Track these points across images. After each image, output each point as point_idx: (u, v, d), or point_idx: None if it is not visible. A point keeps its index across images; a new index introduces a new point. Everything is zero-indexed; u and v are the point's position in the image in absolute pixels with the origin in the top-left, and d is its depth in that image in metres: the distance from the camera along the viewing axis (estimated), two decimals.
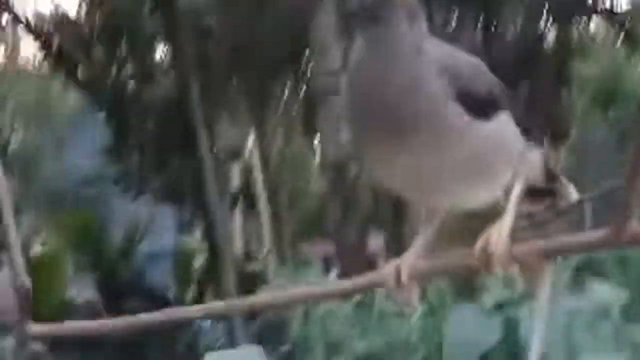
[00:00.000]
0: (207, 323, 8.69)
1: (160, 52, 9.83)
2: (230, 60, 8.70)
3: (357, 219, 6.86)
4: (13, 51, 13.41)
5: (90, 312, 9.63)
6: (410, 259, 1.37)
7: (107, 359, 8.50)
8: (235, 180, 11.44)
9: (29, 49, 12.65)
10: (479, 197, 1.39)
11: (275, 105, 10.87)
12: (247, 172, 11.57)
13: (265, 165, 11.13)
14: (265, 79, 9.69)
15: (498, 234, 1.30)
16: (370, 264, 6.46)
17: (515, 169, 1.38)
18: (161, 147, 9.08)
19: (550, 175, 1.51)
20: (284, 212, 12.38)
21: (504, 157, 1.36)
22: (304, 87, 9.93)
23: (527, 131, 1.43)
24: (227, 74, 8.53)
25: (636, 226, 1.09)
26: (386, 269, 1.36)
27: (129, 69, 9.43)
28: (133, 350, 8.31)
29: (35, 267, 10.09)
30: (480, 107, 1.30)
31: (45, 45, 9.57)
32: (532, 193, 1.48)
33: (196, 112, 8.31)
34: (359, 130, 1.34)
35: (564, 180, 1.51)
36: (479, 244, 1.30)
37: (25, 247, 10.71)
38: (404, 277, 1.34)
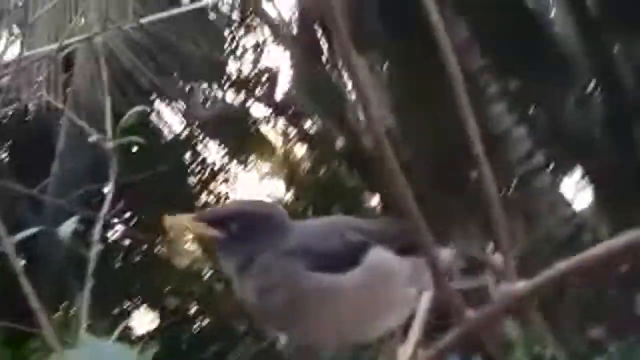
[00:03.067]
0: None
1: None
2: None
3: None
4: None
5: None
6: None
7: None
8: None
9: None
10: (389, 324, 1.60)
11: None
12: None
13: None
14: None
15: (404, 352, 1.52)
16: None
17: (417, 286, 1.57)
18: None
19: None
20: None
21: (388, 286, 1.57)
22: None
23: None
24: None
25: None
26: None
27: None
28: None
29: None
30: (340, 263, 1.53)
31: None
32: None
33: None
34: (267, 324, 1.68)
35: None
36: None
37: None
38: None
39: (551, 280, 1.23)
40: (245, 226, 1.56)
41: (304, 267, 1.52)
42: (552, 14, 7.43)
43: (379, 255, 1.57)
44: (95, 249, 1.76)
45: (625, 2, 6.24)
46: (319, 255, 1.53)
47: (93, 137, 1.96)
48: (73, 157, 6.64)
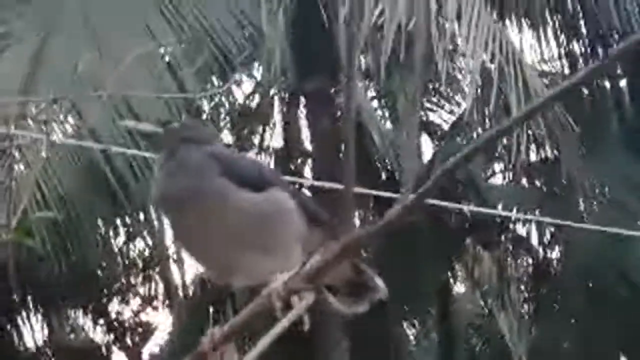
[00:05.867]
0: None
1: None
2: None
3: None
4: None
5: None
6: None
7: None
8: None
9: None
10: (269, 267, 1.66)
11: None
12: None
13: None
14: None
15: (279, 280, 1.58)
16: None
17: (301, 241, 1.70)
18: None
19: (357, 269, 1.76)
20: None
21: (278, 223, 1.69)
22: None
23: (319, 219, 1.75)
24: None
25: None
26: None
27: None
28: None
29: None
30: (249, 182, 1.68)
31: None
32: (347, 289, 1.75)
33: None
34: (168, 219, 1.78)
35: (370, 272, 1.75)
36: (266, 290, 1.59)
37: None
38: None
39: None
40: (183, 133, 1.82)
41: (216, 170, 1.67)
42: None
43: (282, 196, 1.71)
44: None
45: None
46: (232, 169, 1.68)
47: None
48: None
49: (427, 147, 8.53)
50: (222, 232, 1.66)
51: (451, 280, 9.07)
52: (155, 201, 1.75)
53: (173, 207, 1.72)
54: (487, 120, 7.21)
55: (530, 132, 6.91)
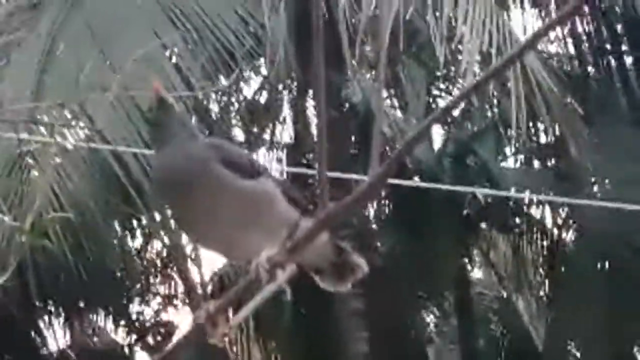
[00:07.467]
0: None
1: None
2: None
3: None
4: None
5: None
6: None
7: None
8: None
9: None
10: (260, 243, 1.80)
11: None
12: None
13: None
14: None
15: (264, 255, 1.74)
16: None
17: (285, 221, 1.82)
18: None
19: (339, 250, 1.94)
20: None
21: (267, 206, 1.86)
22: None
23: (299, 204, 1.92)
24: None
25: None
26: None
27: None
28: None
29: None
30: (243, 170, 1.85)
31: None
32: (331, 269, 1.94)
33: None
34: (166, 202, 2.02)
35: (351, 252, 1.93)
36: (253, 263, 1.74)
37: None
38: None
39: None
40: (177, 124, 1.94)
41: (215, 159, 1.83)
42: None
43: (269, 183, 1.90)
44: None
45: None
46: (228, 158, 1.84)
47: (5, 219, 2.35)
48: None
49: (438, 135, 8.52)
50: (222, 213, 1.82)
51: (468, 266, 9.09)
52: (158, 187, 1.92)
53: (176, 192, 1.86)
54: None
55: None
